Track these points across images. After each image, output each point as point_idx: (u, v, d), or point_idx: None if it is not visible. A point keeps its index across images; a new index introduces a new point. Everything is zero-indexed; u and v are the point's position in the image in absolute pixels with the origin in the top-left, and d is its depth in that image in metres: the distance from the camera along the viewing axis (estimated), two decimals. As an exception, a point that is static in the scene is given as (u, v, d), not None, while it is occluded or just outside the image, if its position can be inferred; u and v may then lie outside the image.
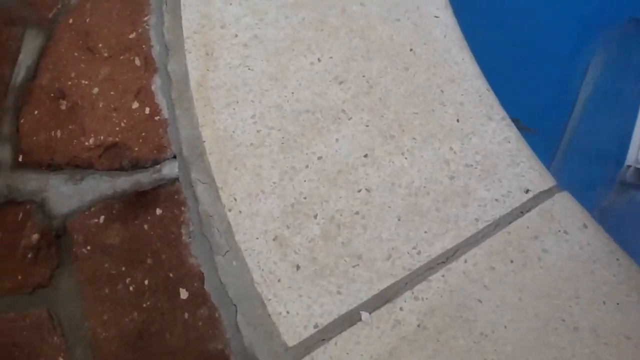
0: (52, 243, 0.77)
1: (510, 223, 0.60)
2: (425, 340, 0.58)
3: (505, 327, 0.56)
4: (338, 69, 0.73)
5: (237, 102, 0.73)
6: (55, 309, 0.74)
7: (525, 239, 0.59)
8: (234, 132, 0.71)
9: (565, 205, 0.60)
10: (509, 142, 0.65)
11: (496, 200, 0.62)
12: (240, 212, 0.67)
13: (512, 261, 0.58)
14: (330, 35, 0.76)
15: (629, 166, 0.74)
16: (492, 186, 0.62)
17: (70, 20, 0.89)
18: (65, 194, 0.78)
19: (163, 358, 0.67)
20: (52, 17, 0.90)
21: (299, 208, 0.66)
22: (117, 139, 0.77)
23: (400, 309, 0.60)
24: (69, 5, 0.91)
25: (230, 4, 0.82)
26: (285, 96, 0.73)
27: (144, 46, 0.83)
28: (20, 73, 0.88)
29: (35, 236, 0.77)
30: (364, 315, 0.60)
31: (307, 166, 0.67)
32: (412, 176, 0.64)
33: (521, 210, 0.61)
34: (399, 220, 0.63)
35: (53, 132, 0.81)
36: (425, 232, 0.61)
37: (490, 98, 0.67)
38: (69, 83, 0.83)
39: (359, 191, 0.65)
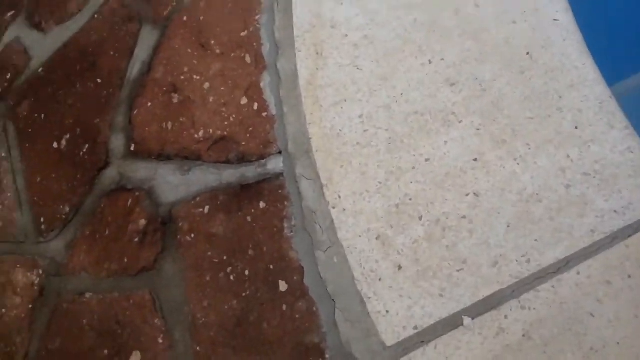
0: (158, 229, 0.92)
1: (629, 237, 0.66)
2: (530, 350, 0.65)
3: (619, 343, 0.62)
4: (450, 71, 0.83)
5: (345, 101, 0.85)
6: (157, 292, 0.89)
7: (646, 254, 0.65)
8: (341, 130, 0.83)
9: (692, 220, 0.65)
10: (632, 152, 0.71)
11: (615, 212, 0.68)
12: (344, 209, 0.78)
13: (629, 276, 0.64)
14: (443, 37, 0.86)
15: None
16: (612, 197, 0.69)
17: (185, 18, 1.06)
18: (172, 184, 0.94)
19: (260, 346, 0.79)
20: (167, 14, 1.09)
21: (403, 209, 0.76)
22: (225, 132, 0.92)
23: (505, 317, 0.67)
24: (183, 3, 1.09)
25: (342, 4, 0.95)
26: (394, 97, 0.84)
27: (254, 44, 0.98)
28: (135, 67, 1.07)
29: (143, 222, 0.94)
30: (467, 320, 0.69)
31: (413, 167, 0.77)
32: (525, 183, 0.72)
33: (643, 224, 0.67)
34: (508, 226, 0.71)
35: (164, 123, 0.98)
36: (535, 240, 0.69)
37: (612, 106, 0.74)
38: (182, 78, 1.00)
39: (467, 195, 0.74)
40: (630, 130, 0.73)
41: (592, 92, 0.76)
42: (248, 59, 0.97)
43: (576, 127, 0.74)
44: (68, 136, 1.11)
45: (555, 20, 0.83)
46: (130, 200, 0.97)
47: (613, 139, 0.72)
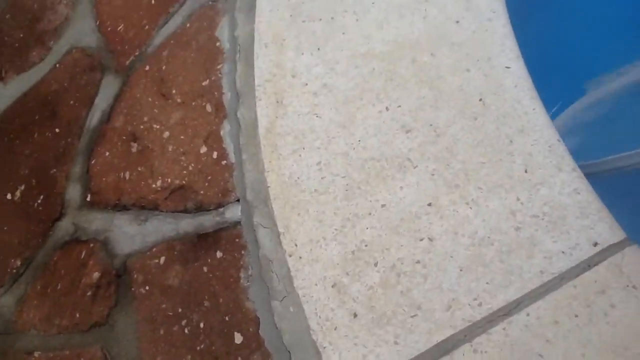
0: (112, 282, 0.99)
1: (577, 276, 0.74)
2: (483, 395, 0.72)
3: (569, 385, 0.69)
4: (405, 118, 0.93)
5: (304, 149, 0.95)
6: (109, 347, 0.95)
7: (592, 294, 0.73)
8: (298, 178, 0.92)
9: (635, 259, 0.74)
10: (579, 194, 0.80)
11: (563, 252, 0.76)
12: (300, 257, 0.86)
13: (577, 315, 0.72)
14: (399, 85, 0.97)
15: None
16: (560, 238, 0.77)
17: (147, 67, 1.17)
18: (128, 234, 1.02)
19: (214, 402, 0.84)
20: (129, 63, 1.20)
21: (359, 255, 0.84)
22: (183, 181, 1.00)
23: (459, 361, 0.74)
24: (146, 53, 1.20)
25: (302, 54, 1.06)
26: (352, 144, 0.93)
27: (215, 93, 1.09)
28: (95, 116, 1.17)
29: (96, 274, 1.01)
30: (421, 366, 0.75)
31: (370, 213, 0.86)
32: (477, 226, 0.81)
33: (589, 264, 0.75)
34: (460, 270, 0.79)
35: (122, 173, 1.07)
36: (487, 283, 0.77)
37: (561, 149, 0.84)
38: (141, 127, 1.10)
39: (421, 240, 0.82)
40: (577, 173, 0.82)
41: (542, 135, 0.86)
42: (209, 108, 1.07)
43: (526, 171, 0.83)
44: (23, 187, 1.19)
45: (507, 67, 0.94)
46: (84, 252, 1.04)
47: (561, 181, 0.81)
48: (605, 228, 0.77)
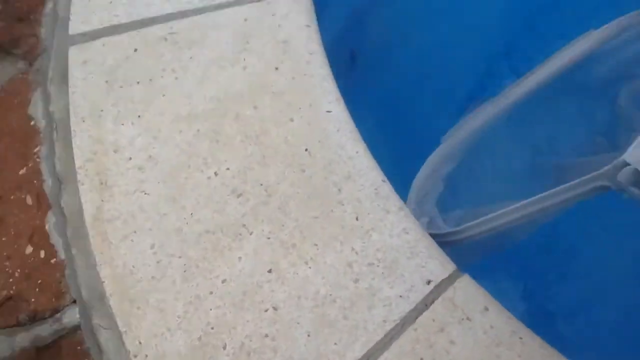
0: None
1: (416, 319, 0.77)
2: None
3: None
4: (235, 181, 0.91)
5: (135, 232, 0.90)
6: None
7: (433, 334, 0.75)
8: (133, 267, 0.88)
9: (466, 290, 0.77)
10: (407, 233, 0.82)
11: (400, 296, 0.78)
12: (146, 356, 0.82)
13: (421, 359, 0.74)
14: (226, 145, 0.95)
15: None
16: (395, 283, 0.79)
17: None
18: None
19: None
20: None
21: (206, 340, 0.81)
22: (11, 292, 0.93)
23: None
24: (-49, 149, 1.09)
25: (122, 124, 1.01)
26: (185, 218, 0.90)
27: (35, 181, 1.01)
28: None
29: None
30: None
31: (211, 292, 0.84)
32: (317, 285, 0.81)
33: (425, 303, 0.77)
34: (308, 336, 0.78)
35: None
36: (335, 344, 0.77)
37: (386, 189, 0.86)
38: (-44, 236, 1.00)
39: (266, 311, 0.81)
40: (404, 211, 0.85)
41: (367, 179, 0.87)
42: (29, 200, 1.00)
43: (357, 218, 0.84)
44: None
45: (328, 111, 0.94)
46: None
47: (390, 223, 0.83)
48: (436, 264, 0.80)
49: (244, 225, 0.88)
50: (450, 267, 0.80)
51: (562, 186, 0.90)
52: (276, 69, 1.03)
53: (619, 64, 1.20)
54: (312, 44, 1.06)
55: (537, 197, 0.92)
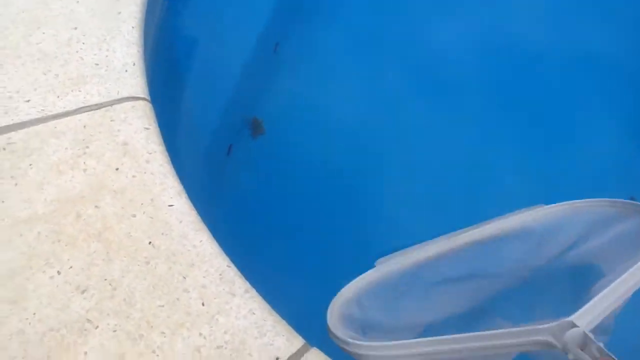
0: None
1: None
2: None
3: None
4: (79, 278, 0.99)
5: (-27, 339, 0.94)
6: None
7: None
8: (-28, 374, 0.91)
9: (315, 361, 0.90)
10: (254, 314, 0.94)
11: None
12: None
13: None
14: (68, 245, 1.03)
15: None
16: (245, 363, 0.90)
17: None
18: None
19: None
20: None
21: None
22: None
23: None
24: None
25: (-44, 231, 1.06)
26: (27, 318, 0.96)
27: None
28: None
29: None
30: None
31: (56, 391, 0.89)
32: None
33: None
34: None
35: None
36: None
37: (231, 273, 0.98)
38: None
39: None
40: (251, 293, 0.97)
41: (212, 265, 0.99)
42: None
43: (203, 304, 0.95)
44: None
45: (170, 205, 1.07)
46: None
47: (236, 306, 0.95)
48: (282, 341, 0.92)
49: (88, 320, 0.95)
50: (298, 342, 0.91)
51: (501, 330, 0.83)
52: (116, 169, 1.14)
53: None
54: (152, 144, 1.19)
55: (472, 334, 0.84)
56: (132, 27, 1.44)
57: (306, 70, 2.20)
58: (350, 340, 0.90)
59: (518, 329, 0.83)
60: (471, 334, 0.84)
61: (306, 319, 0.99)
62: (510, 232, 1.21)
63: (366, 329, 1.00)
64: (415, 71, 2.26)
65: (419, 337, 0.89)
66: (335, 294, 1.02)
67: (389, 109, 2.14)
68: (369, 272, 1.07)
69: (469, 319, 1.13)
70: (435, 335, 0.87)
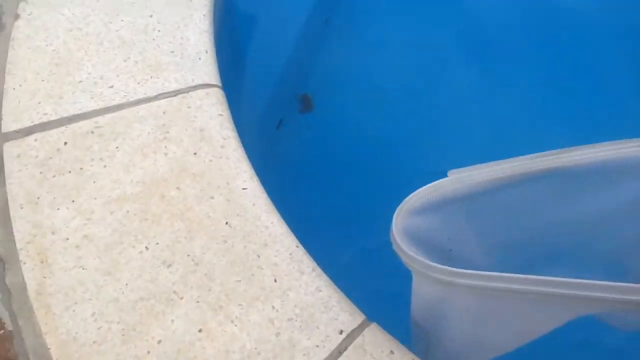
0: None
1: (331, 367, 0.99)
2: None
3: None
4: (165, 254, 1.12)
5: (76, 304, 1.09)
6: None
7: (344, 378, 0.98)
8: (76, 333, 1.06)
9: (374, 337, 1.01)
10: (320, 291, 1.06)
11: (317, 346, 1.01)
12: (92, 411, 1.00)
13: (335, 397, 0.97)
14: (154, 223, 1.16)
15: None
16: (312, 334, 1.02)
17: None
18: None
19: None
20: None
21: (147, 394, 1.00)
22: (-41, 364, 1.08)
23: None
24: None
25: (58, 209, 1.20)
26: (120, 288, 1.10)
27: (-25, 266, 1.18)
28: None
29: None
30: None
31: (149, 352, 1.03)
32: (243, 340, 1.02)
33: (339, 350, 1.00)
34: (237, 383, 0.99)
35: None
36: (259, 391, 0.99)
37: (300, 253, 1.10)
38: None
39: (199, 365, 1.01)
40: (317, 272, 1.09)
41: (283, 245, 1.11)
42: (-29, 283, 1.16)
43: (275, 280, 1.07)
44: None
45: (244, 189, 1.19)
46: None
47: (305, 283, 1.07)
48: (346, 316, 1.04)
49: (175, 292, 1.09)
50: (359, 317, 1.03)
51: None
52: (195, 153, 1.27)
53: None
54: (226, 130, 1.31)
55: (581, 280, 0.71)
56: (203, 15, 1.54)
57: (355, 45, 2.25)
58: (428, 262, 0.79)
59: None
60: (583, 280, 0.71)
61: (365, 297, 1.10)
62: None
63: (427, 245, 0.88)
64: (467, 40, 2.26)
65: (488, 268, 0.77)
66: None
67: (439, 79, 2.17)
68: (440, 181, 0.89)
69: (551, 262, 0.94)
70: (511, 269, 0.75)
